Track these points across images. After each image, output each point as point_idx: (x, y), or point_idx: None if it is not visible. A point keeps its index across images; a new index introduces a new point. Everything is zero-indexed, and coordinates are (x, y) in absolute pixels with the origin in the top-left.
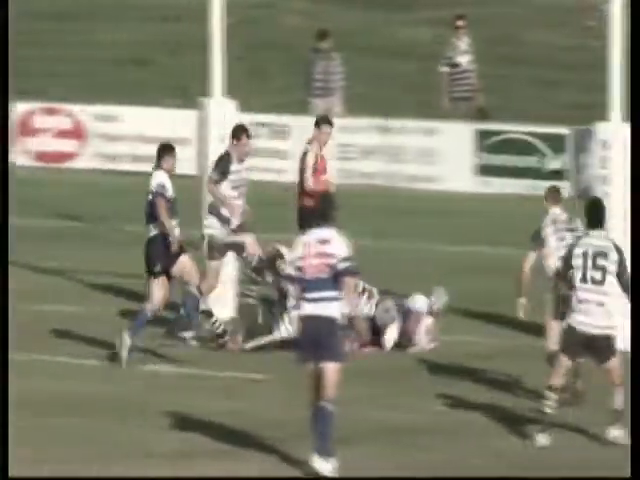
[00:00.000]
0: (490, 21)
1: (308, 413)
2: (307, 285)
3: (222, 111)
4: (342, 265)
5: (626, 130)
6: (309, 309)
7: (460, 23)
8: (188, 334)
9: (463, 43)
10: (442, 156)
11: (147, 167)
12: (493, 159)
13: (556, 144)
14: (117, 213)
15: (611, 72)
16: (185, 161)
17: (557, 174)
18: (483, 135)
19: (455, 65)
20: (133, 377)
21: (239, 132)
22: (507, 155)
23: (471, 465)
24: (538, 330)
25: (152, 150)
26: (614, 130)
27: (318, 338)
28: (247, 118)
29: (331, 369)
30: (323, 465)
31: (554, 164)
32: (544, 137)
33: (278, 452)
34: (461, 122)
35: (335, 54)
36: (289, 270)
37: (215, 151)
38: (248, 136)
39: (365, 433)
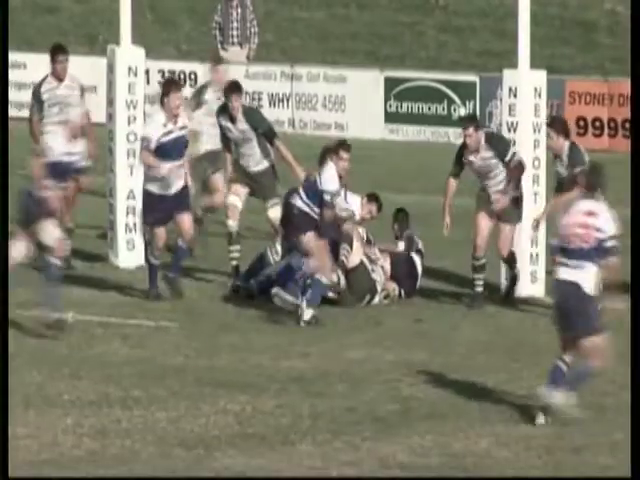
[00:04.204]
0: None
1: (215, 361)
2: (566, 252)
3: (130, 58)
4: (609, 243)
5: (534, 77)
6: (564, 274)
7: None
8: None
9: None
10: (351, 103)
11: None
12: (402, 106)
13: (465, 91)
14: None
15: (519, 19)
16: (93, 109)
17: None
18: (392, 82)
19: None
20: (39, 325)
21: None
22: (416, 102)
23: (381, 411)
24: (446, 276)
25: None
26: (521, 77)
27: (567, 305)
28: (155, 65)
29: (589, 340)
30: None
31: (462, 111)
32: (453, 84)
33: (187, 399)
34: (370, 69)
35: (248, 1)
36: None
37: (123, 99)
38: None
39: (269, 381)
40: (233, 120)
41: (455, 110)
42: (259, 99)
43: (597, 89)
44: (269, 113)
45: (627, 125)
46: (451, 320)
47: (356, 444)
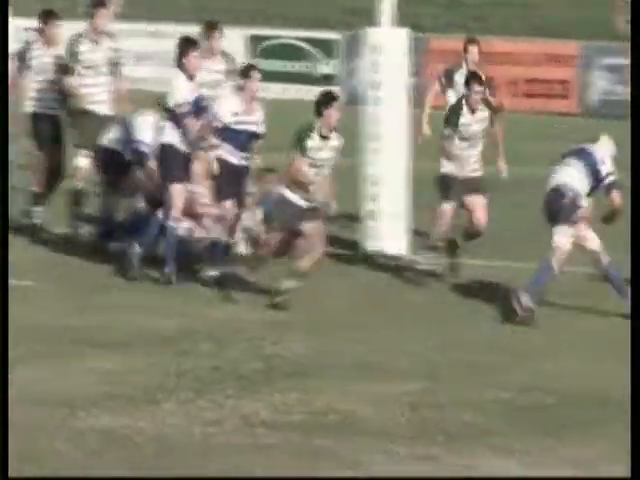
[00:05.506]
0: None
1: (83, 320)
2: None
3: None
4: None
5: (397, 35)
6: None
7: None
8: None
9: None
10: None
11: None
12: (265, 64)
13: (327, 49)
14: None
15: None
16: None
17: (328, 79)
18: (256, 40)
19: None
20: None
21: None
22: (279, 60)
23: (245, 369)
24: None
25: None
26: (385, 35)
27: None
28: (23, 24)
29: None
30: None
31: (325, 69)
32: (315, 42)
33: (55, 359)
34: (233, 26)
35: None
36: None
37: None
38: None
39: (139, 340)
40: (473, 112)
41: (318, 68)
42: (123, 57)
43: (460, 47)
44: (134, 72)
45: (491, 83)
46: (315, 278)
47: (220, 402)
